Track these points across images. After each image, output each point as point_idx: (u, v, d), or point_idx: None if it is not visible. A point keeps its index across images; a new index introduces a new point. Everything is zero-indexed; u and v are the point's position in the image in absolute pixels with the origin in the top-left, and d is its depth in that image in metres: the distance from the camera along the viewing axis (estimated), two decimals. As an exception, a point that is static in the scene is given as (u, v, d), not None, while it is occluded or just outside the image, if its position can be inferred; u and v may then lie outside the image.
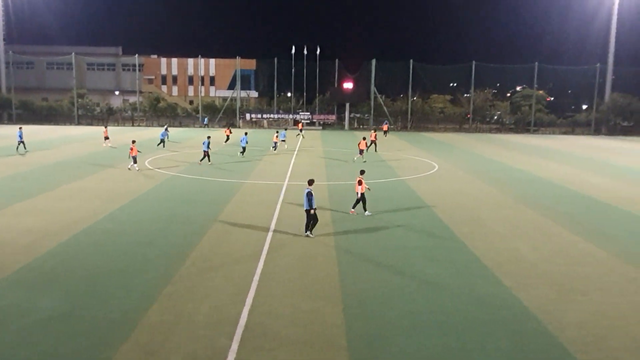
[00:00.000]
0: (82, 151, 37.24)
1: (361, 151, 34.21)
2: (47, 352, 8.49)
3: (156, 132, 58.85)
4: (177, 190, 22.77)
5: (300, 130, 56.57)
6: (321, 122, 72.16)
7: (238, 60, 76.41)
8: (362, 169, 19.95)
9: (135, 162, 27.93)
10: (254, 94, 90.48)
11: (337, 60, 74.66)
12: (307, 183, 15.59)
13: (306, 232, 15.40)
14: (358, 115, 77.21)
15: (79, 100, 74.15)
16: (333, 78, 75.02)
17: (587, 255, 14.30)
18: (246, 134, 38.24)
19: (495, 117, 79.38)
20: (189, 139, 50.91)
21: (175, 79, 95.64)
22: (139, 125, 72.93)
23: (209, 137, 32.50)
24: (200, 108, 75.63)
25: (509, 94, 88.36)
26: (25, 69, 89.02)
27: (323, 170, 30.00)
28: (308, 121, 71.29)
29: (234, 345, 8.76)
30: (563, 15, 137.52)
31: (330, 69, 74.76)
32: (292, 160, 33.94)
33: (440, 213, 19.03)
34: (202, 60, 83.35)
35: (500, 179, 27.82)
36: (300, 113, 72.96)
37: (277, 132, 42.33)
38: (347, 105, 72.79)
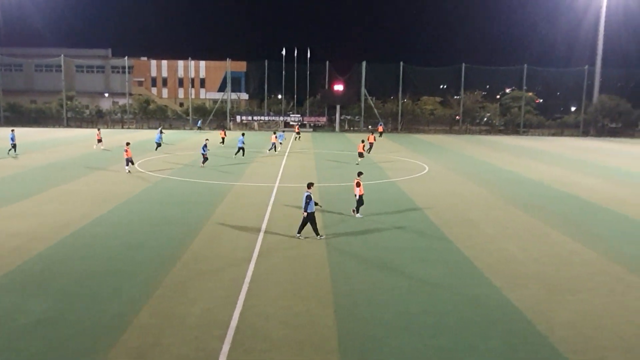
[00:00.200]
0: (71, 154, 36.97)
1: (360, 154, 34.26)
2: (36, 357, 8.41)
3: (146, 134, 58.65)
4: (168, 192, 22.67)
5: (298, 133, 56.78)
6: (312, 124, 72.20)
7: (228, 62, 76.27)
8: (360, 170, 19.92)
9: (132, 163, 27.81)
10: (244, 96, 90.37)
11: (327, 62, 74.86)
12: (306, 186, 15.58)
13: (317, 234, 15.31)
14: (349, 117, 77.38)
15: (68, 102, 73.64)
16: (323, 80, 75.15)
17: (577, 255, 14.41)
18: (243, 134, 38.47)
19: (485, 119, 79.91)
20: (181, 140, 50.73)
21: (165, 81, 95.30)
22: (128, 128, 72.55)
23: (207, 140, 32.71)
24: (190, 110, 75.40)
25: (498, 96, 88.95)
26: (13, 71, 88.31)
27: (314, 172, 30.01)
28: (299, 123, 71.29)
29: (225, 348, 8.72)
30: (551, 18, 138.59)
31: (321, 71, 74.90)
32: (283, 163, 33.92)
33: (431, 214, 19.09)
34: (192, 62, 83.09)
35: (490, 180, 27.97)
36: (291, 115, 72.97)
37: (275, 133, 42.45)
38: (338, 107, 72.89)
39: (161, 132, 41.81)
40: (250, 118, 73.88)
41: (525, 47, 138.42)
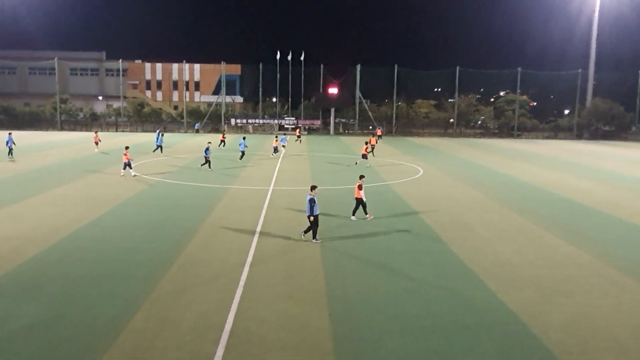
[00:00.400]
0: (66, 157, 36.83)
1: (364, 156, 34.62)
2: (29, 361, 8.35)
3: (141, 137, 58.50)
4: (163, 195, 22.59)
5: (299, 136, 56.92)
6: (306, 128, 72.24)
7: (223, 65, 76.24)
8: (362, 174, 19.95)
9: (130, 167, 27.72)
10: (239, 99, 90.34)
11: (322, 65, 74.95)
12: (309, 189, 15.57)
13: (313, 238, 15.31)
14: (343, 120, 77.45)
15: (62, 105, 73.36)
16: (318, 83, 75.19)
17: (570, 258, 14.47)
18: (244, 138, 38.70)
19: (479, 122, 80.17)
20: (177, 143, 50.62)
21: (159, 84, 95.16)
22: (122, 131, 72.32)
23: (209, 143, 32.82)
24: (184, 113, 75.28)
25: (492, 99, 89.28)
26: (6, 74, 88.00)
27: (308, 175, 30.00)
28: (293, 126, 71.32)
29: (220, 351, 8.69)
30: (545, 22, 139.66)
31: (315, 74, 74.95)
32: (277, 166, 33.90)
33: (426, 217, 19.12)
34: (186, 65, 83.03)
35: (484, 183, 28.05)
36: (286, 118, 72.99)
37: (277, 137, 42.64)
38: (333, 110, 72.97)
39: (162, 135, 41.98)
40: (245, 121, 73.84)
41: (519, 51, 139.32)
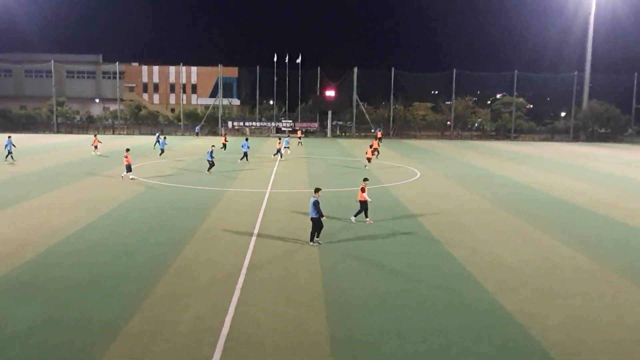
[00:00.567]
0: (62, 159, 36.74)
1: (369, 159, 34.94)
2: (25, 365, 8.31)
3: (138, 140, 58.41)
4: (160, 198, 22.55)
5: (300, 139, 56.96)
6: (303, 130, 72.26)
7: (220, 68, 76.23)
8: (365, 177, 19.95)
9: (130, 170, 27.67)
10: (236, 101, 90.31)
11: (319, 68, 75.02)
12: (313, 191, 15.59)
13: (311, 241, 15.32)
14: (340, 122, 77.49)
15: (58, 108, 73.21)
16: (315, 86, 75.25)
17: (567, 259, 14.49)
18: (247, 139, 38.88)
19: (476, 125, 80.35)
20: (174, 146, 50.52)
21: (156, 87, 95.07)
22: (119, 134, 72.22)
23: (213, 146, 33.01)
24: (181, 116, 75.22)
25: (489, 102, 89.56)
26: (3, 77, 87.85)
27: (305, 177, 30.00)
28: (290, 129, 71.30)
29: (217, 354, 8.66)
30: (541, 25, 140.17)
31: (313, 77, 75.02)
32: (274, 168, 33.88)
33: (423, 219, 19.13)
34: (183, 68, 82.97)
35: (482, 185, 28.09)
36: (283, 121, 73.00)
37: (280, 139, 42.79)
38: (330, 113, 73.00)
39: (164, 138, 42.28)
40: (242, 124, 73.83)
41: (516, 53, 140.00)
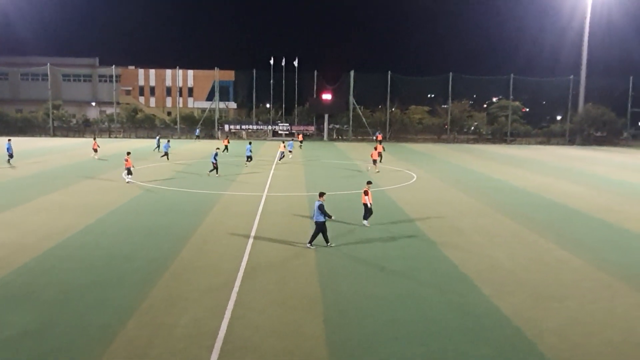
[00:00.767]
0: (59, 163, 36.65)
1: (374, 161, 34.97)
2: (21, 369, 8.28)
3: (135, 143, 58.30)
4: (156, 202, 22.52)
5: (301, 141, 56.99)
6: (298, 133, 72.31)
7: (216, 71, 76.25)
8: (369, 180, 19.95)
9: (130, 173, 27.61)
10: (232, 105, 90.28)
11: (315, 71, 75.09)
12: (318, 195, 15.61)
13: (327, 243, 15.38)
14: (337, 126, 77.55)
15: (55, 111, 73.04)
16: (312, 89, 75.31)
17: (563, 262, 14.53)
18: (250, 143, 39.27)
19: (473, 128, 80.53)
20: (172, 149, 50.34)
21: (153, 90, 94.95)
22: (116, 137, 72.10)
23: (217, 149, 33.12)
24: (178, 119, 75.17)
25: (485, 105, 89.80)
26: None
27: (302, 180, 30.01)
28: (287, 132, 71.38)
29: (214, 358, 8.65)
30: (537, 29, 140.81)
31: (309, 80, 75.07)
32: (271, 172, 33.88)
33: (420, 222, 19.15)
34: (180, 71, 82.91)
35: (478, 188, 28.14)
36: (280, 124, 73.04)
37: (284, 142, 42.99)
38: (326, 116, 73.07)
39: (168, 141, 42.63)
40: (238, 127, 73.83)
41: (512, 57, 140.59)
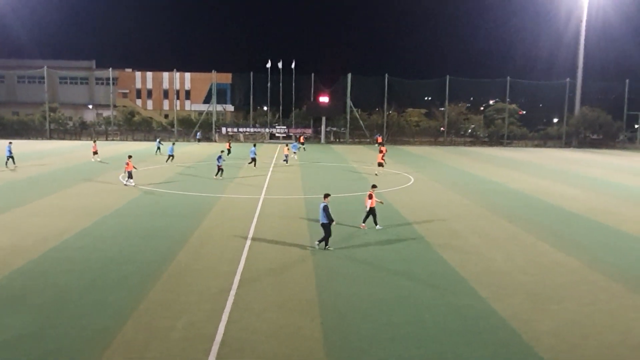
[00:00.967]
0: (56, 166, 36.56)
1: (380, 164, 35.23)
2: (17, 373, 8.24)
3: (132, 146, 58.23)
4: (154, 204, 22.47)
5: (302, 144, 57.05)
6: (296, 136, 72.34)
7: (214, 74, 76.24)
8: (374, 183, 19.94)
9: (130, 177, 27.56)
10: (230, 107, 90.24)
11: (312, 74, 75.21)
12: (323, 197, 15.63)
13: (323, 245, 15.39)
14: (334, 128, 77.63)
15: (51, 114, 72.89)
16: (309, 92, 75.38)
17: (560, 264, 14.55)
18: (255, 145, 39.57)
19: (470, 131, 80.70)
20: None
21: (150, 93, 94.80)
22: (112, 140, 71.99)
23: (222, 152, 33.31)
24: (175, 122, 75.12)
25: (482, 108, 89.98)
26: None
27: (299, 183, 29.99)
28: (285, 134, 71.39)
29: (211, 361, 8.63)
30: (533, 32, 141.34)
31: (306, 83, 75.17)
32: (268, 174, 33.86)
33: (417, 225, 19.16)
34: (177, 74, 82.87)
35: (475, 191, 28.18)
36: (277, 127, 73.05)
37: (288, 145, 43.08)
38: (324, 119, 73.13)
39: (173, 144, 42.57)
40: (236, 130, 73.81)
41: (508, 60, 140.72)
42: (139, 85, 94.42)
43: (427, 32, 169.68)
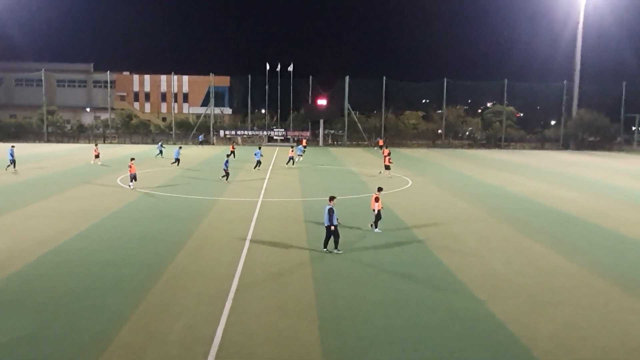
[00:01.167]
0: (53, 169, 36.49)
1: (387, 167, 35.43)
2: (14, 376, 8.21)
3: (131, 148, 58.20)
4: (152, 207, 22.44)
5: (304, 146, 56.99)
6: (295, 139, 72.37)
7: (212, 77, 76.28)
8: (380, 186, 19.96)
9: (134, 179, 27.53)
10: (227, 110, 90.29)
11: (310, 77, 75.29)
12: (328, 199, 15.60)
13: (325, 248, 15.41)
14: (332, 131, 77.70)
15: (49, 117, 72.82)
16: (307, 95, 75.46)
17: (558, 267, 14.55)
18: (260, 147, 40.05)
19: (467, 133, 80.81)
20: (167, 154, 50.24)
21: (147, 96, 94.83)
22: (110, 142, 71.92)
23: (228, 156, 33.55)
24: (173, 125, 75.09)
25: (480, 110, 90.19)
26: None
27: (297, 186, 29.98)
28: (282, 137, 71.42)
29: (209, 365, 8.61)
30: (531, 35, 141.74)
31: (304, 86, 75.25)
32: (266, 177, 33.85)
33: (415, 228, 19.16)
34: (175, 77, 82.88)
35: (472, 193, 28.20)
36: (275, 130, 73.06)
37: (292, 147, 43.46)
38: (321, 121, 73.17)
39: (180, 148, 42.53)
40: (233, 132, 73.81)
41: (506, 63, 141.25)
42: (136, 88, 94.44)
43: (424, 35, 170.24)
